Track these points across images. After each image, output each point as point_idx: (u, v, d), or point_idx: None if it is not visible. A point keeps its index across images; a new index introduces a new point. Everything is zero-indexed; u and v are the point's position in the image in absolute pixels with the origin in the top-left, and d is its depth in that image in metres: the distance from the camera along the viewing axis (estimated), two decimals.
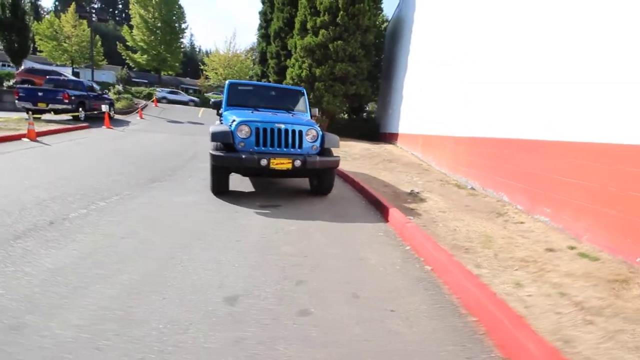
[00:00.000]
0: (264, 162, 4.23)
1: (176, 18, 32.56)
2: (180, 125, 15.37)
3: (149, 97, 23.95)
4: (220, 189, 4.57)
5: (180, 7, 32.88)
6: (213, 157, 4.25)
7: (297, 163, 4.38)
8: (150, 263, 2.51)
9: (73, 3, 31.33)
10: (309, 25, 13.75)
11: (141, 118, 16.10)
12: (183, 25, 33.79)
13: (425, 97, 9.22)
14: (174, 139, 10.94)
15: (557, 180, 3.79)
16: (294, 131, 4.56)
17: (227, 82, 5.71)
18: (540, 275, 2.66)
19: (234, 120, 4.46)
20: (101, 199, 3.99)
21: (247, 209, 4.10)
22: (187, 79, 48.33)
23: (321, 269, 2.62)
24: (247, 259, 2.73)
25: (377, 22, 14.95)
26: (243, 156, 4.19)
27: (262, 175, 4.85)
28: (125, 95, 20.24)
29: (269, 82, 18.80)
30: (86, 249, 2.66)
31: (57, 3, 50.33)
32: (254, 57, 49.48)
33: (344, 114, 17.53)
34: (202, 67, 38.69)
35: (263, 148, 4.44)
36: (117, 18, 54.64)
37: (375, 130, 16.08)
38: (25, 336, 1.63)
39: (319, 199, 4.91)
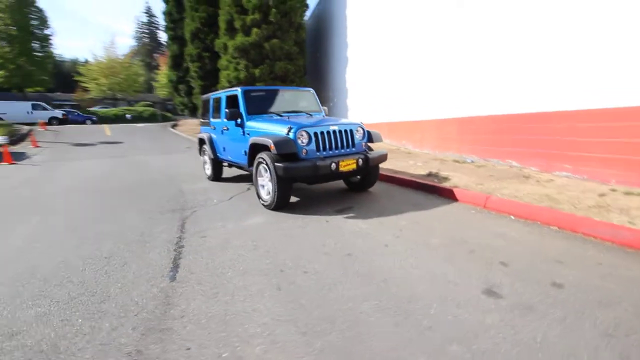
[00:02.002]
0: (333, 166, 4.11)
1: (37, 23, 26.66)
2: (96, 147, 13.03)
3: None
4: (285, 202, 4.26)
5: (39, 9, 26.98)
6: (284, 169, 3.92)
7: (360, 162, 4.38)
8: (363, 287, 2.32)
9: None
10: (237, 25, 13.09)
11: (36, 147, 13.05)
12: (47, 32, 27.90)
13: (382, 88, 9.88)
14: (111, 164, 9.32)
15: (572, 141, 4.71)
16: (346, 131, 4.52)
17: (239, 89, 5.20)
18: (627, 213, 3.36)
19: (290, 128, 4.17)
20: (169, 241, 3.33)
21: (332, 217, 3.94)
22: (58, 93, 40.25)
23: (495, 250, 2.81)
24: (421, 257, 2.73)
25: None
26: (318, 163, 3.99)
27: (328, 180, 4.64)
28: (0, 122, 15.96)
29: (192, 87, 17.28)
30: (298, 292, 2.29)
31: None
32: (142, 61, 44.25)
33: None
34: (77, 78, 32.80)
35: (324, 152, 4.30)
36: None
37: None
38: None
39: (371, 195, 4.96)
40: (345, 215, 3.97)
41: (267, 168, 4.27)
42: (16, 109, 20.72)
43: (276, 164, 4.01)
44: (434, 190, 4.81)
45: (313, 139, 4.22)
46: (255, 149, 4.56)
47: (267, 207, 4.32)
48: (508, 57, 5.69)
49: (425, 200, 4.56)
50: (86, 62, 33.28)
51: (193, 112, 18.28)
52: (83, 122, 23.23)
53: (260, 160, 4.33)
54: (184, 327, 1.94)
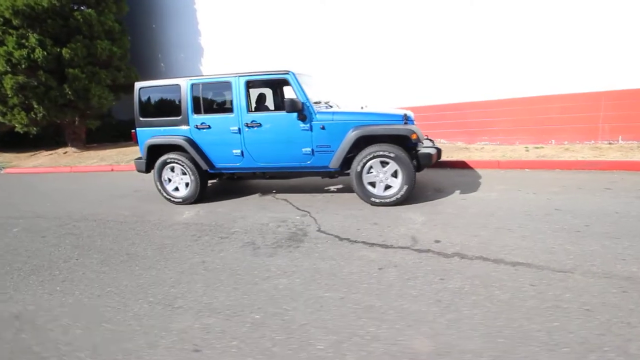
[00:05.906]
0: None
1: None
2: None
3: None
4: None
5: None
6: (428, 156, 3.85)
7: None
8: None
9: None
10: None
11: None
12: None
13: None
14: None
15: (484, 121, 7.09)
16: None
17: (290, 72, 3.99)
18: (559, 156, 5.80)
19: (406, 116, 3.94)
20: (425, 278, 2.65)
21: (451, 196, 4.17)
22: None
23: (590, 187, 4.27)
24: (585, 201, 3.79)
25: None
26: (440, 148, 4.12)
27: None
28: None
29: None
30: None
31: None
32: None
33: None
34: None
35: None
36: None
37: None
38: None
39: None
40: (458, 193, 4.31)
41: (388, 161, 3.84)
42: None
43: (420, 152, 3.79)
44: (445, 165, 5.88)
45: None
46: (360, 142, 3.90)
47: (393, 203, 3.90)
48: (430, 58, 7.49)
49: (454, 173, 5.54)
50: None
51: None
52: None
53: (382, 153, 3.81)
54: None
